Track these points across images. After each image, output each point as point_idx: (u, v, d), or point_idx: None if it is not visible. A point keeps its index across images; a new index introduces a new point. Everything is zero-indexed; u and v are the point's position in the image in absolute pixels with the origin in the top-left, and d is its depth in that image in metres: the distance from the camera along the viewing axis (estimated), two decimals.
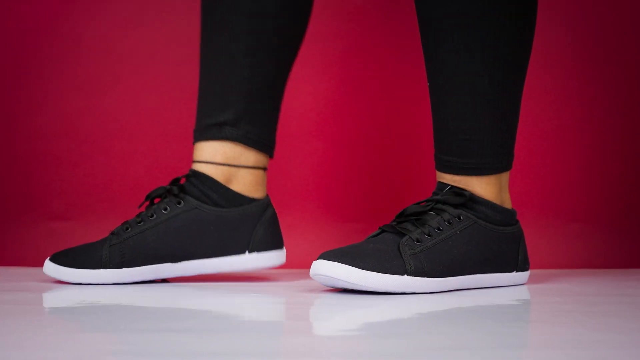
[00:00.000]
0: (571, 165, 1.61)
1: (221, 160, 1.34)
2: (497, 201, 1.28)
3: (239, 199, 1.34)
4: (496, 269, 1.28)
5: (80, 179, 1.60)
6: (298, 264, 1.52)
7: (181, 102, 1.58)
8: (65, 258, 1.30)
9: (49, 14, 1.61)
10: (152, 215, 1.32)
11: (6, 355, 0.83)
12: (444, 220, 1.25)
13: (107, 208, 1.59)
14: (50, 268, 1.30)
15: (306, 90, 1.62)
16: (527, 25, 1.26)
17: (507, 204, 1.30)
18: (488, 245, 1.27)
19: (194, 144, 1.36)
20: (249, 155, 1.35)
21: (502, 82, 1.25)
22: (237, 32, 1.34)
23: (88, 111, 1.61)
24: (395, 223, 1.25)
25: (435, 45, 1.26)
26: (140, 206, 1.35)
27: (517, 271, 1.30)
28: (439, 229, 1.24)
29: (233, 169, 1.34)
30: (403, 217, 1.25)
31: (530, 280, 1.36)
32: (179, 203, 1.33)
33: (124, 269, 1.30)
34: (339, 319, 1.07)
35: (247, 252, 1.34)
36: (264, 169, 1.37)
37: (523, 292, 1.26)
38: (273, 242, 1.35)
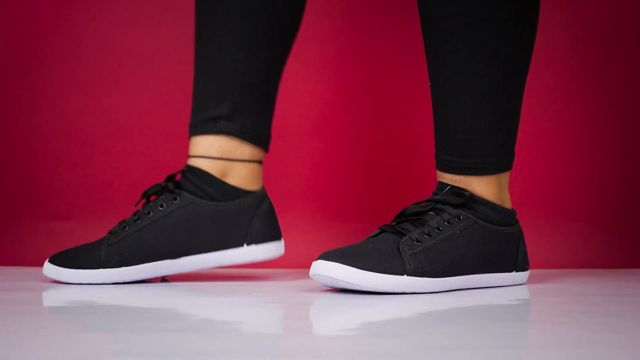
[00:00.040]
0: (571, 165, 1.61)
1: (216, 154, 1.34)
2: (497, 201, 1.28)
3: (234, 192, 1.34)
4: (496, 269, 1.28)
5: (80, 179, 1.60)
6: (298, 264, 1.52)
7: (181, 102, 1.57)
8: (64, 259, 1.30)
9: (49, 14, 1.61)
10: (148, 213, 1.32)
11: (6, 355, 0.83)
12: (444, 221, 1.25)
13: (107, 208, 1.59)
14: (50, 269, 1.30)
15: (306, 91, 1.62)
16: (527, 25, 1.25)
17: (507, 204, 1.30)
18: (488, 245, 1.27)
19: (189, 138, 1.36)
20: (244, 149, 1.35)
21: (502, 82, 1.25)
22: (230, 25, 1.34)
23: (88, 111, 1.61)
24: (394, 223, 1.25)
25: (436, 45, 1.26)
26: (136, 204, 1.35)
27: (516, 271, 1.30)
28: (438, 229, 1.24)
29: (228, 163, 1.34)
30: (403, 217, 1.25)
31: (530, 280, 1.36)
32: (175, 199, 1.33)
33: (123, 268, 1.30)
34: (339, 318, 1.07)
35: (245, 245, 1.34)
36: (260, 162, 1.37)
37: (523, 292, 1.26)
38: (271, 233, 1.35)
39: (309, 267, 1.23)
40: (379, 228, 1.25)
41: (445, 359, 0.84)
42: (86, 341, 0.91)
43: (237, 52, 1.34)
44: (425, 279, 1.21)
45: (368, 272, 1.19)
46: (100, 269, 1.29)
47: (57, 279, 1.30)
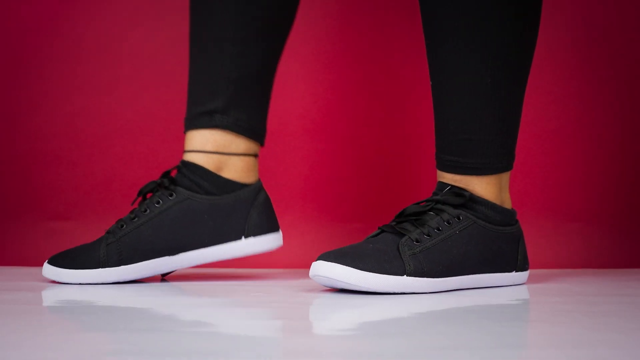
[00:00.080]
0: (571, 165, 1.61)
1: (212, 148, 1.34)
2: (497, 201, 1.28)
3: (230, 186, 1.34)
4: (496, 269, 1.28)
5: (80, 179, 1.60)
6: (298, 264, 1.52)
7: (181, 102, 1.57)
8: (63, 260, 1.30)
9: (49, 14, 1.61)
10: (145, 210, 1.32)
11: (6, 355, 0.83)
12: (444, 221, 1.25)
13: (107, 208, 1.59)
14: (49, 270, 1.30)
15: (306, 91, 1.62)
16: (528, 25, 1.25)
17: (507, 204, 1.30)
18: (487, 245, 1.27)
19: (184, 132, 1.36)
20: (239, 143, 1.35)
21: (503, 82, 1.25)
22: (224, 20, 1.34)
23: (88, 111, 1.61)
24: (394, 223, 1.25)
25: (436, 44, 1.26)
26: (133, 203, 1.35)
27: (516, 271, 1.30)
28: (438, 229, 1.24)
29: (224, 157, 1.34)
30: (402, 217, 1.25)
31: (530, 280, 1.36)
32: (171, 195, 1.32)
33: (122, 267, 1.30)
34: (339, 318, 1.07)
35: (243, 238, 1.34)
36: (255, 155, 1.36)
37: (522, 292, 1.26)
38: (268, 225, 1.35)
39: (308, 267, 1.23)
40: (379, 228, 1.25)
41: (445, 358, 0.84)
42: (86, 341, 0.91)
43: (232, 46, 1.34)
44: (425, 279, 1.21)
45: (368, 272, 1.19)
46: (100, 269, 1.29)
47: (57, 279, 1.30)
